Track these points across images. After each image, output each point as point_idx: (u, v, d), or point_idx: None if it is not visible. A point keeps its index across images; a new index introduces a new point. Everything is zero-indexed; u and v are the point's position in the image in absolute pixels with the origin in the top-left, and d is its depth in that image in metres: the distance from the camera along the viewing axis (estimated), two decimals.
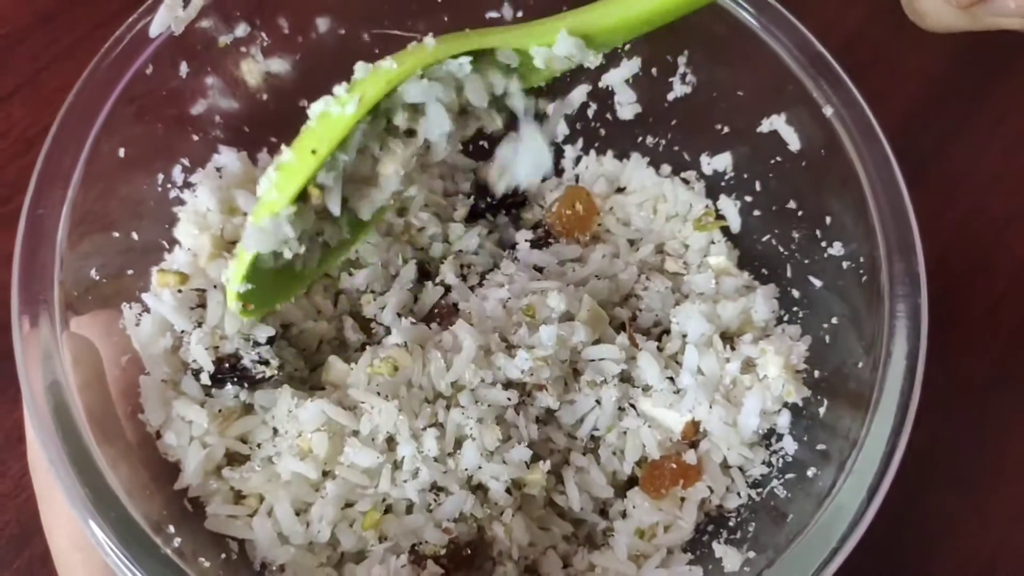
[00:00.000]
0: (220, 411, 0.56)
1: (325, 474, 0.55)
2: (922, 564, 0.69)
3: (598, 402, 0.60)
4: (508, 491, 0.57)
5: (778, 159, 0.63)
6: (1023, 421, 0.74)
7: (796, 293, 0.64)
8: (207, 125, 0.64)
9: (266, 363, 0.57)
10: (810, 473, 0.54)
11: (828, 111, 0.57)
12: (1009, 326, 0.78)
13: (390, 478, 0.54)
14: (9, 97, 0.86)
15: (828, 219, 0.60)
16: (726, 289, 0.66)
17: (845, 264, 0.59)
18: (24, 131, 0.84)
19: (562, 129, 0.74)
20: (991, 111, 0.87)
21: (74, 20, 0.89)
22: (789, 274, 0.64)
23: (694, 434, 0.60)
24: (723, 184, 0.69)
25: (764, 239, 0.67)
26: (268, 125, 0.68)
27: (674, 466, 0.59)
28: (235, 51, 0.63)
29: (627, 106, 0.70)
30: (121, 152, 0.57)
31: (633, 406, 0.61)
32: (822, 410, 0.58)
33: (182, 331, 0.57)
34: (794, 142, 0.61)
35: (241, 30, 0.62)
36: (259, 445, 0.57)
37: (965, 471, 0.72)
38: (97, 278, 0.55)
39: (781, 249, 0.65)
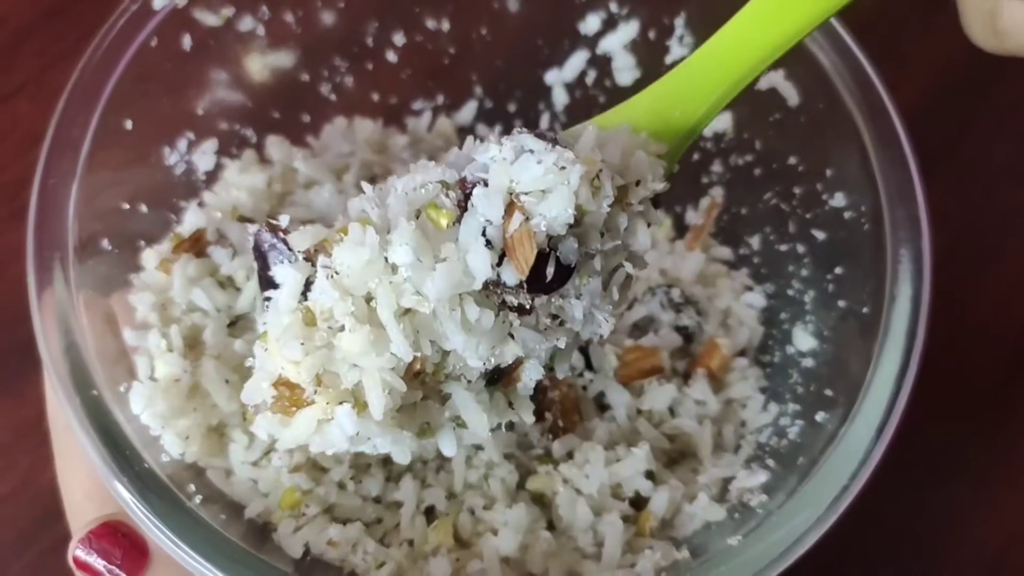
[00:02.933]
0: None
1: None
2: (933, 554, 0.70)
3: None
4: None
5: (777, 116, 0.64)
6: None
7: (800, 248, 0.65)
8: (211, 99, 0.64)
9: None
10: (819, 418, 0.55)
11: (825, 63, 0.58)
12: (1020, 318, 0.78)
13: None
14: (15, 94, 0.86)
15: (829, 172, 0.61)
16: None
17: (847, 215, 0.59)
18: (30, 128, 0.84)
19: (561, 98, 0.75)
20: (1002, 102, 0.87)
21: (79, 16, 0.88)
22: (792, 230, 0.65)
23: None
24: (723, 146, 0.70)
25: (766, 197, 0.67)
26: (273, 101, 0.69)
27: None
28: (236, 27, 0.64)
29: (626, 71, 0.71)
30: (128, 124, 0.58)
31: None
32: (828, 358, 0.59)
33: None
34: (793, 97, 0.62)
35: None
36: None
37: (976, 463, 0.73)
38: (108, 247, 0.56)
39: (783, 206, 0.66)
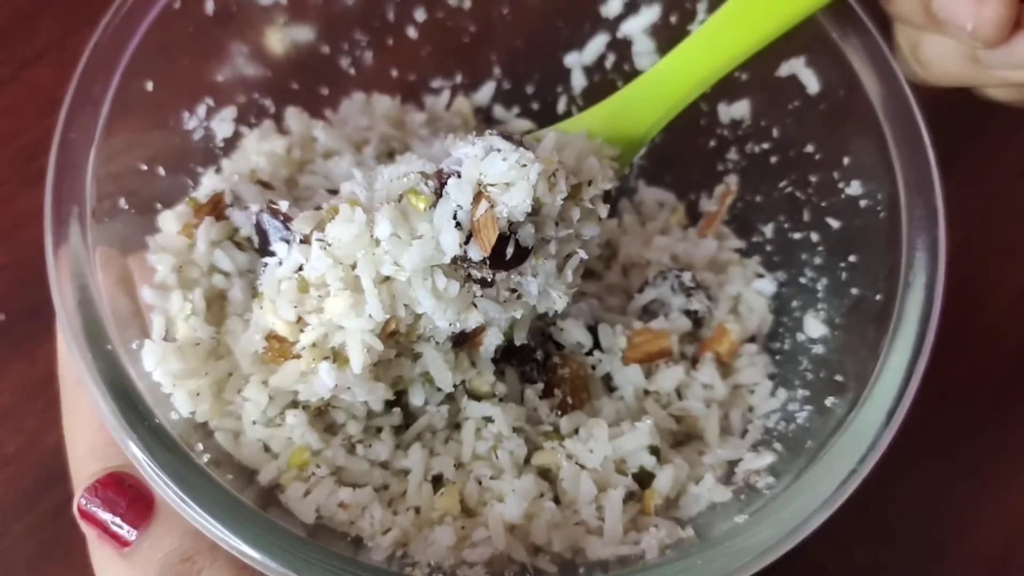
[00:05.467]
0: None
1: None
2: (937, 548, 0.70)
3: None
4: None
5: (796, 103, 0.64)
6: None
7: (814, 236, 0.65)
8: (232, 67, 0.65)
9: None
10: (828, 403, 0.55)
11: (846, 50, 0.58)
12: None
13: None
14: (35, 60, 0.86)
15: (846, 160, 0.61)
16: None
17: (863, 203, 0.59)
18: (49, 93, 0.84)
19: (579, 81, 0.75)
20: None
21: None
22: (806, 218, 0.65)
23: None
24: (740, 133, 0.70)
25: (782, 185, 0.67)
26: (293, 72, 0.69)
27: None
28: None
29: (646, 56, 0.71)
30: (149, 86, 0.58)
31: None
32: (839, 345, 0.58)
33: None
34: (812, 84, 0.62)
35: None
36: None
37: (984, 459, 0.73)
38: (126, 207, 0.56)
39: (799, 194, 0.66)
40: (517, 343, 0.58)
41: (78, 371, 0.48)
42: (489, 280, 0.51)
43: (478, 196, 0.49)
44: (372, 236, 0.50)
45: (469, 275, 0.51)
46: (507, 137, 0.51)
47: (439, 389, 0.57)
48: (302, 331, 0.52)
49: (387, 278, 0.51)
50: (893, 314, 0.52)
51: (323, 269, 0.51)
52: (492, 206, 0.49)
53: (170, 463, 0.46)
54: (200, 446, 0.50)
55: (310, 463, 0.53)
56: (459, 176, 0.50)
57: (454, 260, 0.50)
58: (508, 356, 0.60)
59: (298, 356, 0.52)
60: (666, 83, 0.57)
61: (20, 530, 0.68)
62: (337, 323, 0.51)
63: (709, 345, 0.64)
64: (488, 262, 0.50)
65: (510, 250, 0.50)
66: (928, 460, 0.71)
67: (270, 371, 0.53)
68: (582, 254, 0.54)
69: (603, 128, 0.57)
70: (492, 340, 0.56)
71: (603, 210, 0.54)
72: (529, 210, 0.50)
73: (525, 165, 0.49)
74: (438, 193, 0.51)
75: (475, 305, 0.52)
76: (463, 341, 0.56)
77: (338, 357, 0.52)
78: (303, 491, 0.52)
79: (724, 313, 0.66)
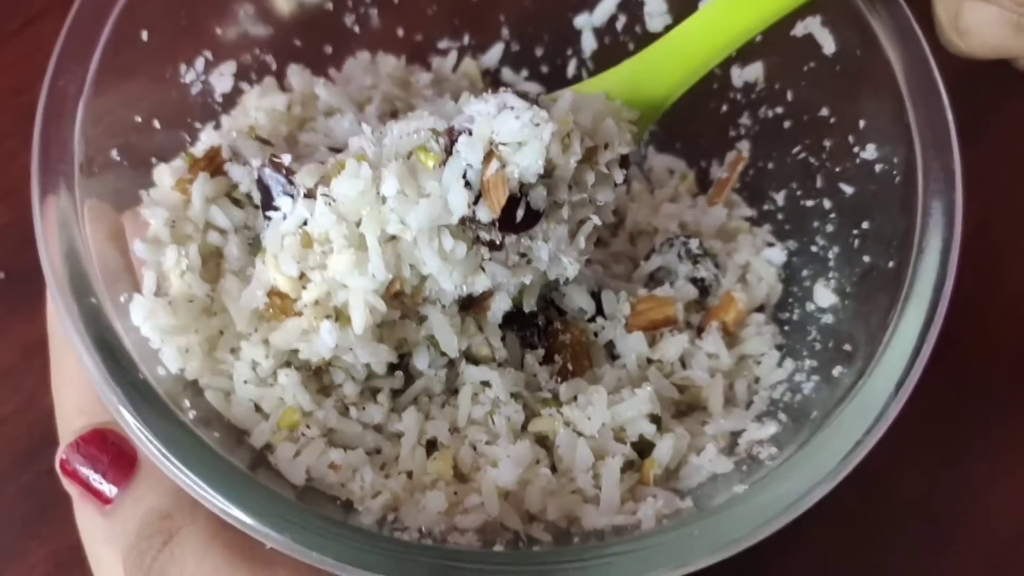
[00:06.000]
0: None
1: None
2: (947, 528, 0.68)
3: None
4: None
5: (812, 64, 0.61)
6: None
7: (827, 203, 0.62)
8: (232, 20, 0.63)
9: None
10: (835, 373, 0.53)
11: (865, 9, 0.56)
12: None
13: None
14: (40, 16, 0.85)
15: (862, 123, 0.59)
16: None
17: (878, 167, 0.57)
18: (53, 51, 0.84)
19: (590, 44, 0.73)
20: None
21: None
22: (819, 184, 0.63)
23: None
24: (753, 97, 0.68)
25: (795, 151, 0.65)
26: (296, 29, 0.68)
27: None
28: None
29: (657, 17, 0.69)
30: (144, 35, 0.56)
31: None
32: (849, 314, 0.57)
33: None
34: (829, 45, 0.60)
35: None
36: None
37: (997, 440, 0.71)
38: (118, 159, 0.55)
39: (812, 159, 0.64)
40: (526, 309, 0.57)
41: (63, 325, 0.47)
42: (498, 243, 0.50)
43: (489, 155, 0.48)
44: (378, 193, 0.49)
45: (477, 237, 0.50)
46: (522, 95, 0.50)
47: (443, 353, 0.55)
48: (304, 288, 0.51)
49: (392, 237, 0.50)
50: (906, 280, 0.50)
51: (327, 226, 0.50)
52: (503, 166, 0.48)
53: (154, 420, 0.45)
54: (188, 404, 0.49)
55: (300, 424, 0.52)
56: (470, 134, 0.49)
57: (462, 221, 0.49)
58: (509, 321, 0.58)
59: (300, 313, 0.51)
60: (691, 44, 0.55)
61: (14, 490, 0.68)
62: (340, 281, 0.50)
63: (715, 314, 0.62)
64: (497, 224, 0.49)
65: (520, 212, 0.49)
66: (941, 438, 0.69)
67: (271, 328, 0.52)
68: (596, 220, 0.53)
69: (622, 91, 0.56)
70: (500, 305, 0.55)
71: (619, 175, 0.53)
72: (541, 171, 0.48)
73: (538, 124, 0.47)
74: (448, 151, 0.49)
75: (483, 268, 0.51)
76: (470, 305, 0.55)
77: (340, 316, 0.51)
78: (293, 452, 0.51)
79: (732, 282, 0.64)
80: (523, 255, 0.52)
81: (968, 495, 0.69)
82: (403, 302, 0.52)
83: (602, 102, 0.53)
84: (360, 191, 0.49)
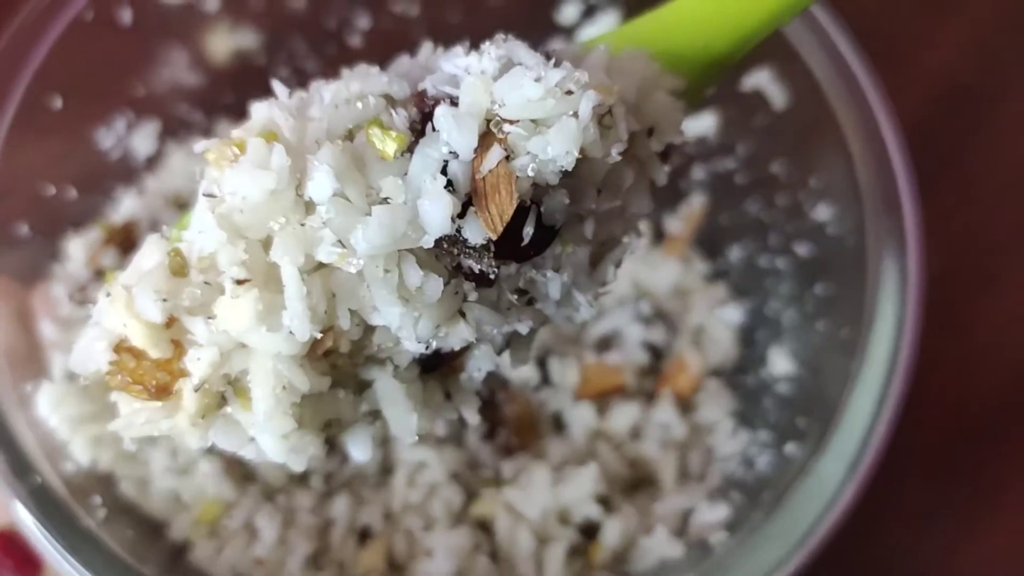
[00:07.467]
0: None
1: None
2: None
3: None
4: None
5: (763, 119, 0.59)
6: None
7: (780, 263, 0.60)
8: (156, 78, 0.60)
9: None
10: (788, 451, 0.51)
11: (814, 66, 0.54)
12: (1020, 343, 0.72)
13: None
14: None
15: (813, 181, 0.57)
16: None
17: (829, 229, 0.55)
18: None
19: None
20: (1010, 111, 0.81)
21: None
22: (773, 242, 0.61)
23: None
24: (704, 150, 0.65)
25: (748, 207, 0.63)
26: (227, 83, 0.65)
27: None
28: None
29: None
30: (58, 102, 0.53)
31: None
32: (804, 384, 0.54)
33: None
34: (779, 100, 0.58)
35: None
36: None
37: (966, 501, 0.67)
38: (30, 233, 0.52)
39: (764, 217, 0.61)
40: (513, 368, 0.39)
41: None
42: (491, 276, 0.33)
43: (487, 138, 0.31)
44: (300, 195, 0.31)
45: (459, 266, 0.33)
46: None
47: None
48: (178, 347, 0.33)
49: (322, 265, 0.32)
50: (858, 353, 0.48)
51: (213, 245, 0.31)
52: (509, 156, 0.31)
53: (56, 525, 0.42)
54: (99, 499, 0.46)
55: (222, 517, 0.48)
56: (454, 103, 0.32)
57: (439, 243, 0.32)
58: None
59: (165, 388, 0.33)
60: None
61: None
62: (235, 338, 0.32)
63: (667, 379, 0.60)
64: (493, 248, 0.32)
65: (528, 230, 0.32)
66: (909, 500, 0.67)
67: (119, 402, 0.34)
68: (633, 241, 0.37)
69: (663, 46, 0.37)
70: (480, 364, 0.37)
71: (662, 175, 0.38)
72: (571, 167, 0.31)
73: (571, 92, 0.31)
74: (417, 129, 0.32)
75: (462, 314, 0.34)
76: (437, 365, 0.37)
77: (237, 390, 0.33)
78: (214, 549, 0.48)
79: (686, 344, 0.62)
80: (523, 292, 0.35)
81: (937, 555, 0.66)
82: (335, 364, 0.34)
83: (647, 63, 0.36)
84: (270, 190, 0.31)
